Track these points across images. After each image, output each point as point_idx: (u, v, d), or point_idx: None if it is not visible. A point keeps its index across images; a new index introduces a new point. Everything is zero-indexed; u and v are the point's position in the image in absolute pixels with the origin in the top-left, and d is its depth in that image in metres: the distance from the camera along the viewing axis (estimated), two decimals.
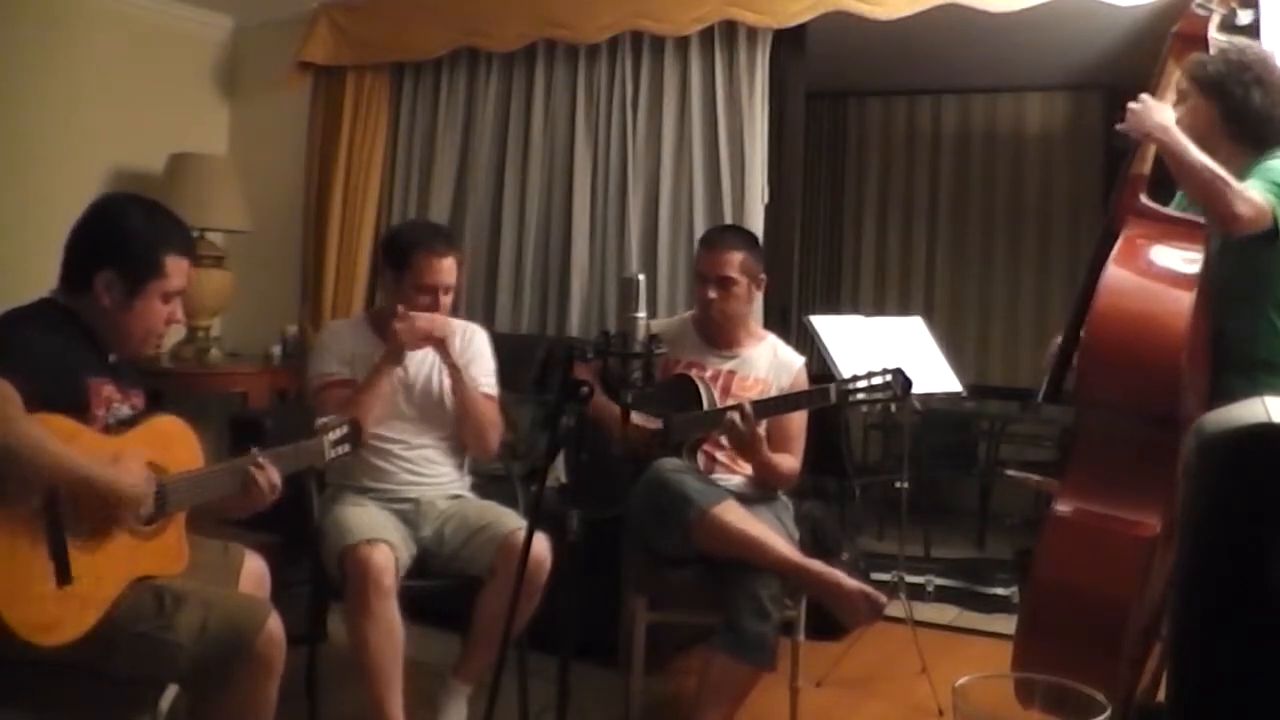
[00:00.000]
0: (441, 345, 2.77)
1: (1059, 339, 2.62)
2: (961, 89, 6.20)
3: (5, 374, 1.79)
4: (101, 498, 1.84)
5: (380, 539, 2.52)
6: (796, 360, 3.06)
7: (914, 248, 6.45)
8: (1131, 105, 2.32)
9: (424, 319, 2.72)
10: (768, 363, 3.02)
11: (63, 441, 1.83)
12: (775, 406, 2.83)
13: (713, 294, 2.94)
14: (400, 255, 2.80)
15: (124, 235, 2.05)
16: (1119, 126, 2.33)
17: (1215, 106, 2.32)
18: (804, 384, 3.02)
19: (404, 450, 2.81)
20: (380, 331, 2.85)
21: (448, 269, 2.81)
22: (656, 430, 2.81)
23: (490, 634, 2.61)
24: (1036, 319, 6.03)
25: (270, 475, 2.18)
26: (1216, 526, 1.22)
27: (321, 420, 2.57)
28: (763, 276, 3.02)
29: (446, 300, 2.83)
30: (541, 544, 2.48)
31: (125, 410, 2.06)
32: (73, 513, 1.84)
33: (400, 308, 2.75)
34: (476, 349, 2.95)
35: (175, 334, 4.62)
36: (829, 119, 6.56)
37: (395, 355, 2.73)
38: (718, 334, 3.02)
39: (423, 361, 2.85)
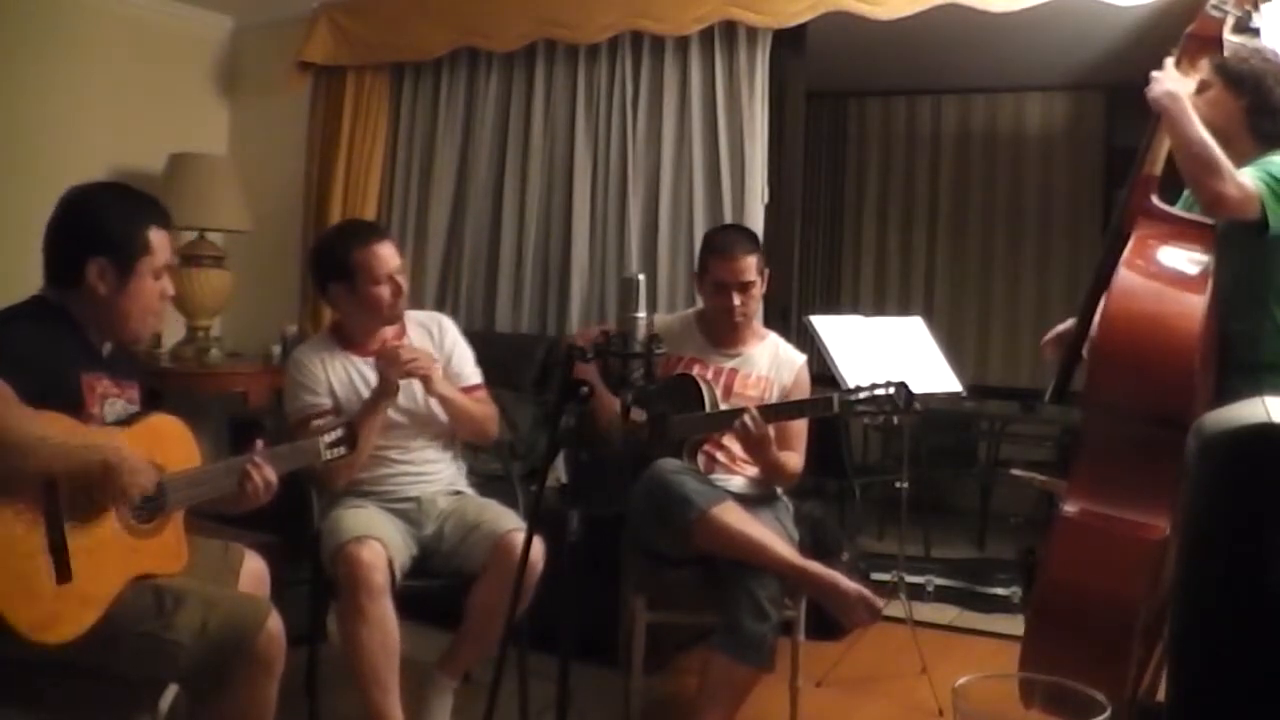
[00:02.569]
0: (426, 380, 2.73)
1: (1058, 328, 2.62)
2: (961, 89, 6.20)
3: (1, 374, 1.80)
4: (104, 469, 1.83)
5: (370, 536, 2.51)
6: (798, 358, 3.06)
7: (914, 248, 6.45)
8: (1154, 73, 2.33)
9: (406, 352, 2.68)
10: (769, 361, 3.02)
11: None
12: (780, 412, 2.83)
13: (737, 300, 2.94)
14: (340, 263, 2.75)
15: (104, 221, 2.05)
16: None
17: (1243, 101, 2.33)
18: (805, 382, 3.03)
19: (401, 454, 2.80)
20: (347, 344, 2.83)
21: (392, 254, 2.79)
22: (649, 419, 2.82)
23: (478, 630, 2.62)
24: (1036, 319, 6.02)
25: (266, 474, 2.18)
26: (1216, 526, 1.22)
27: (317, 422, 2.58)
28: (767, 270, 3.04)
29: (405, 284, 2.81)
30: (535, 546, 2.46)
31: (121, 404, 2.06)
32: (74, 498, 1.84)
33: (385, 345, 2.71)
34: (452, 340, 2.94)
35: (175, 334, 4.63)
36: (829, 119, 6.56)
37: (389, 392, 2.67)
38: (725, 334, 3.03)
39: None
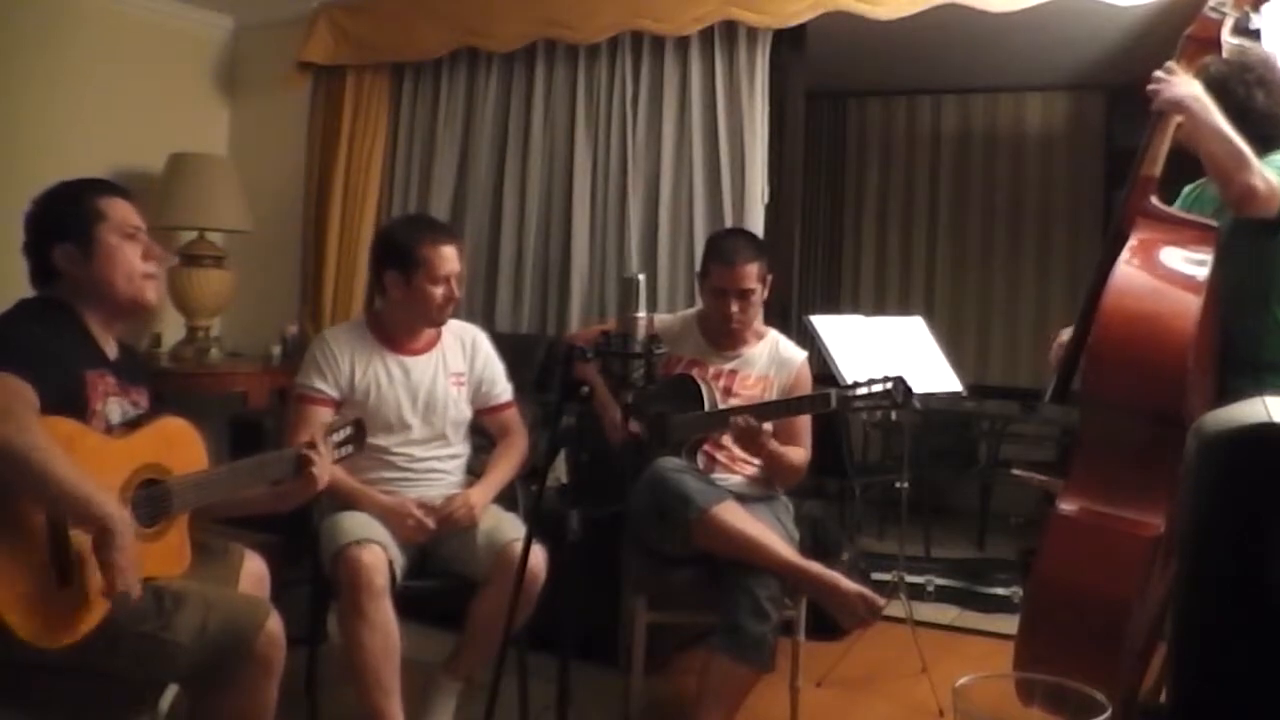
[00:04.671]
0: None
1: (1066, 333, 2.62)
2: (961, 89, 6.21)
3: (17, 372, 1.80)
4: (85, 520, 1.79)
5: (371, 540, 2.51)
6: (798, 356, 3.05)
7: (914, 248, 6.45)
8: (1158, 74, 2.32)
9: (463, 514, 2.67)
10: (768, 359, 3.02)
11: (64, 445, 1.82)
12: (776, 411, 2.82)
13: (735, 308, 2.93)
14: (404, 252, 2.75)
15: (54, 209, 2.08)
16: (1149, 88, 2.33)
17: (1219, 107, 2.32)
18: (806, 379, 3.02)
19: (407, 464, 2.78)
20: (381, 338, 2.82)
21: (455, 257, 2.79)
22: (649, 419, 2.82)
23: (482, 639, 2.61)
24: (1036, 319, 6.03)
25: (325, 461, 2.21)
26: (1216, 526, 1.22)
27: (326, 421, 2.58)
28: (770, 277, 3.03)
29: (459, 292, 2.81)
30: (538, 556, 2.45)
31: (126, 406, 2.06)
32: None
33: (410, 519, 2.64)
34: (484, 358, 2.93)
35: (175, 334, 4.63)
36: (829, 119, 6.56)
37: (406, 529, 2.65)
38: (724, 336, 3.02)
39: (425, 369, 2.83)
